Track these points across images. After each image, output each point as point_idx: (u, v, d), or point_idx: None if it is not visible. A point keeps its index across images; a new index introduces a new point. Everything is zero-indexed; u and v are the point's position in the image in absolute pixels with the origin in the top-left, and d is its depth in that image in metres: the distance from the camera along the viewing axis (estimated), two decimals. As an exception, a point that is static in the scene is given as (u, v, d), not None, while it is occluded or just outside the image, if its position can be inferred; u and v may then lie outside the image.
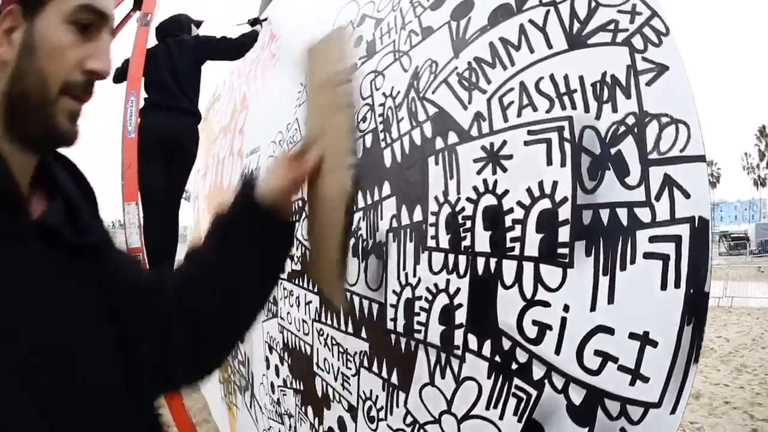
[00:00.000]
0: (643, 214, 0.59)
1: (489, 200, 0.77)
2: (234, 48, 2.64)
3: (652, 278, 0.58)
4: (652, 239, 0.58)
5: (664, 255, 0.57)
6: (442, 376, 0.82)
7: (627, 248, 0.60)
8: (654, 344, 0.56)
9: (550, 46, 0.68)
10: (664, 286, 0.57)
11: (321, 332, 1.26)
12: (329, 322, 1.22)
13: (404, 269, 0.92)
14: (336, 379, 1.17)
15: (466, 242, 0.80)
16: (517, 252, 0.72)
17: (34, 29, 0.54)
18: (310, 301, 1.34)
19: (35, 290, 0.49)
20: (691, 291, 0.54)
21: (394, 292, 0.95)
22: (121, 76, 2.55)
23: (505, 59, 0.75)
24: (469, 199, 0.80)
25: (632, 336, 0.58)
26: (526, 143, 0.71)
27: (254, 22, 2.74)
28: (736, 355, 6.33)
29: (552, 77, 0.67)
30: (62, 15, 0.54)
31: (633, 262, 0.60)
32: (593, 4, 0.63)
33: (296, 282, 1.44)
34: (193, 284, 0.67)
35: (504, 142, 0.74)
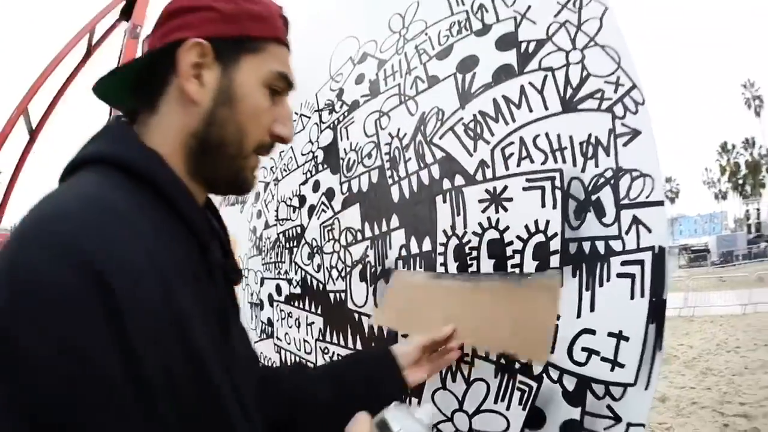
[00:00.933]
0: (616, 245, 0.80)
1: (492, 234, 0.97)
2: None
3: (623, 291, 0.79)
4: (623, 263, 0.80)
5: (632, 274, 0.79)
6: (453, 380, 1.00)
7: (604, 270, 0.82)
8: (627, 339, 0.77)
9: (546, 108, 0.89)
10: (632, 297, 0.78)
11: (326, 350, 1.40)
12: (334, 340, 1.37)
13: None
14: None
15: (473, 268, 0.99)
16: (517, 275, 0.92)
17: (232, 80, 0.60)
18: (313, 322, 1.48)
19: (232, 325, 0.57)
20: (653, 299, 0.76)
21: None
22: None
23: (507, 115, 0.96)
24: (474, 233, 1.00)
25: (610, 334, 0.79)
26: (524, 189, 0.91)
27: None
28: (700, 360, 6.85)
29: (547, 135, 0.88)
30: (261, 77, 0.61)
31: (608, 280, 0.81)
32: (585, 73, 0.85)
33: (295, 304, 1.57)
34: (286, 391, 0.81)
35: (505, 187, 0.95)
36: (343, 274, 1.36)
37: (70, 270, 0.39)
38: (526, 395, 0.88)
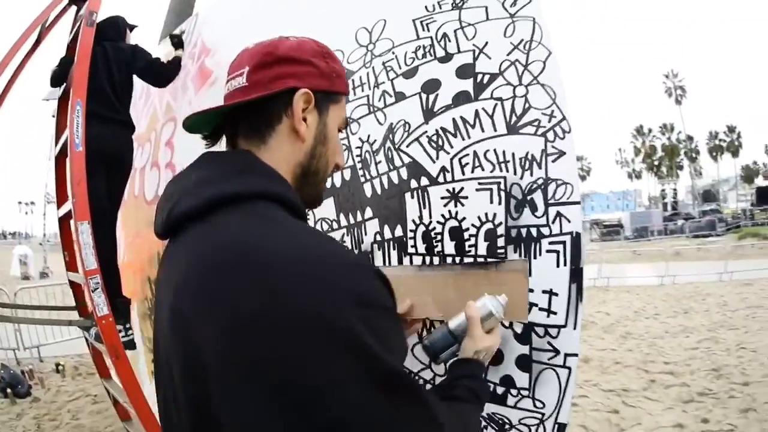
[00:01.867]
0: (545, 230, 1.14)
1: (453, 223, 1.28)
2: (163, 75, 2.71)
3: (551, 262, 1.14)
4: (551, 243, 1.14)
5: (557, 250, 1.14)
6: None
7: (537, 247, 1.16)
8: (557, 294, 1.12)
9: (495, 129, 1.21)
10: (558, 265, 1.13)
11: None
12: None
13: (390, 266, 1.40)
14: None
15: (438, 248, 1.31)
16: (473, 252, 1.25)
17: (325, 125, 0.77)
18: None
19: None
20: (573, 267, 1.11)
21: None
22: (58, 79, 2.52)
23: (464, 132, 1.27)
24: (438, 222, 1.31)
25: (544, 291, 1.14)
26: (477, 190, 1.24)
27: (177, 42, 2.83)
28: (619, 326, 7.30)
29: (495, 150, 1.20)
30: (338, 122, 0.80)
31: (540, 254, 1.15)
32: (527, 105, 1.17)
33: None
34: None
35: (462, 188, 1.26)
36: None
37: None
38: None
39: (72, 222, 2.34)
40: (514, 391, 1.19)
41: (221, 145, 0.81)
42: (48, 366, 5.78)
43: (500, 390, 1.21)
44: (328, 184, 1.59)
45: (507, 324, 1.19)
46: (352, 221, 1.54)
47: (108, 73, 2.49)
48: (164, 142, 2.97)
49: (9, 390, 4.59)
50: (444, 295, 1.26)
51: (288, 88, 0.72)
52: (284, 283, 0.54)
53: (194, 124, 0.78)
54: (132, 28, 2.85)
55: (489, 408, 1.23)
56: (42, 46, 2.73)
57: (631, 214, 40.91)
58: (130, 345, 2.55)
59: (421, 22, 1.44)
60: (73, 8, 2.58)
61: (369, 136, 1.52)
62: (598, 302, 9.76)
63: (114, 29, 2.64)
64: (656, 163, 61.59)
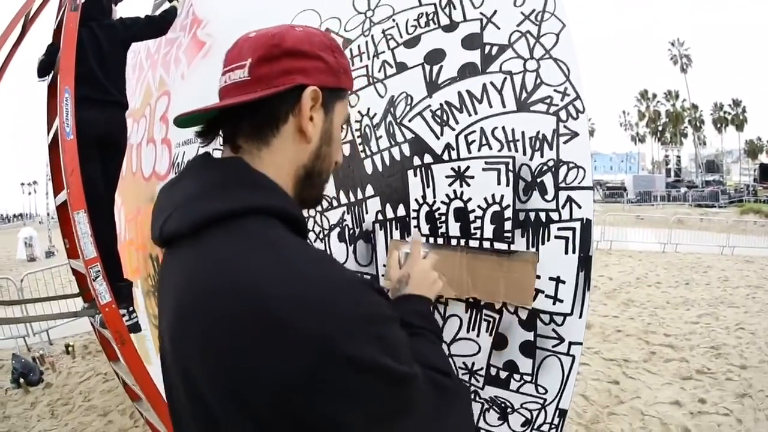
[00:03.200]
0: (554, 215, 1.10)
1: (458, 204, 1.23)
2: (158, 26, 2.71)
3: (559, 248, 1.09)
4: (559, 229, 1.10)
5: (566, 237, 1.10)
6: (433, 316, 1.30)
7: (545, 233, 1.12)
8: (564, 282, 1.08)
9: (504, 105, 1.14)
10: (566, 252, 1.09)
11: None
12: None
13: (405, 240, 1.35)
14: None
15: (442, 230, 1.26)
16: (478, 235, 1.21)
17: (331, 123, 0.74)
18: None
19: None
20: (582, 255, 1.07)
21: (384, 265, 1.37)
22: (46, 68, 2.51)
23: (470, 107, 1.20)
24: (443, 202, 1.26)
25: (551, 279, 1.10)
26: (484, 169, 1.17)
27: None
28: (621, 292, 7.48)
29: (503, 128, 1.14)
30: (342, 119, 0.77)
31: (548, 240, 1.11)
32: (538, 81, 1.09)
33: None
34: None
35: (468, 167, 1.20)
36: (321, 236, 1.58)
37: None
38: (491, 324, 1.19)
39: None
40: (517, 376, 1.18)
41: (212, 143, 0.77)
42: (58, 348, 5.88)
43: (503, 374, 1.20)
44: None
45: (512, 310, 1.17)
46: (352, 199, 1.49)
47: (97, 53, 2.45)
48: (159, 116, 2.94)
49: (22, 380, 4.66)
50: (456, 275, 1.22)
51: (296, 85, 0.68)
52: (283, 311, 0.52)
53: (188, 119, 0.72)
54: (117, 1, 2.80)
55: (491, 391, 1.22)
56: (30, 34, 2.69)
57: (634, 177, 41.35)
58: (135, 328, 2.58)
59: (424, -13, 1.35)
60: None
61: (369, 109, 1.45)
62: (601, 266, 9.94)
63: (98, 7, 2.58)
64: (660, 128, 61.03)
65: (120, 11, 2.85)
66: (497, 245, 1.18)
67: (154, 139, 2.98)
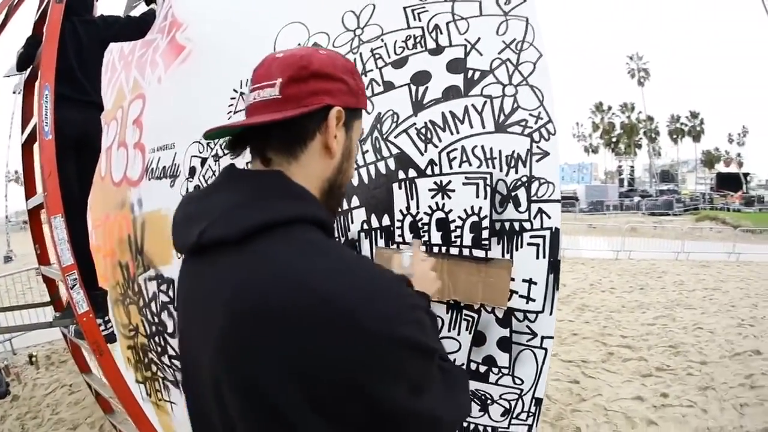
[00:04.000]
0: (527, 225, 1.24)
1: (440, 215, 1.35)
2: (138, 28, 2.70)
3: (531, 254, 1.23)
4: (531, 236, 1.24)
5: (537, 244, 1.24)
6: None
7: (519, 241, 1.26)
8: (536, 283, 1.23)
9: (483, 126, 1.27)
10: (538, 257, 1.23)
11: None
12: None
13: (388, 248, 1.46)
14: None
15: (425, 238, 1.38)
16: (458, 243, 1.33)
17: (351, 140, 0.82)
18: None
19: None
20: (551, 259, 1.22)
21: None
22: (25, 62, 2.42)
23: (452, 127, 1.33)
24: (426, 213, 1.38)
25: (524, 280, 1.24)
26: (464, 184, 1.31)
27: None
28: (576, 297, 7.63)
29: (482, 147, 1.27)
30: (358, 136, 0.85)
31: (522, 246, 1.25)
32: (515, 105, 1.24)
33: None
34: None
35: (449, 181, 1.33)
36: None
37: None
38: (470, 323, 1.32)
39: (43, 214, 2.29)
40: (495, 370, 1.31)
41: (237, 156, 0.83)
42: (21, 359, 5.65)
43: (483, 369, 1.33)
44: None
45: (489, 309, 1.30)
46: (339, 209, 1.58)
47: (77, 50, 2.40)
48: (132, 120, 2.86)
49: None
50: (442, 285, 1.33)
51: (323, 105, 0.74)
52: (348, 304, 0.61)
53: (215, 133, 0.79)
54: None
55: (472, 385, 1.33)
56: (8, 27, 2.62)
57: (586, 186, 42.24)
58: (111, 338, 2.54)
59: (413, 10, 1.46)
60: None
61: (356, 124, 1.55)
62: None
63: (82, 2, 2.53)
64: (614, 139, 63.55)
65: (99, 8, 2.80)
66: (476, 252, 1.30)
67: (126, 143, 2.89)
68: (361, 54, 1.58)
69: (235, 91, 1.92)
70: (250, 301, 0.63)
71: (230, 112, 1.93)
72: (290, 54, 0.76)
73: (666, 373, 4.41)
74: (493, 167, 1.27)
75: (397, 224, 1.44)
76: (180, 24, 2.66)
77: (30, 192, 2.77)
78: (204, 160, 2.12)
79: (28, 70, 2.53)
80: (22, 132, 2.62)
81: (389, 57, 1.50)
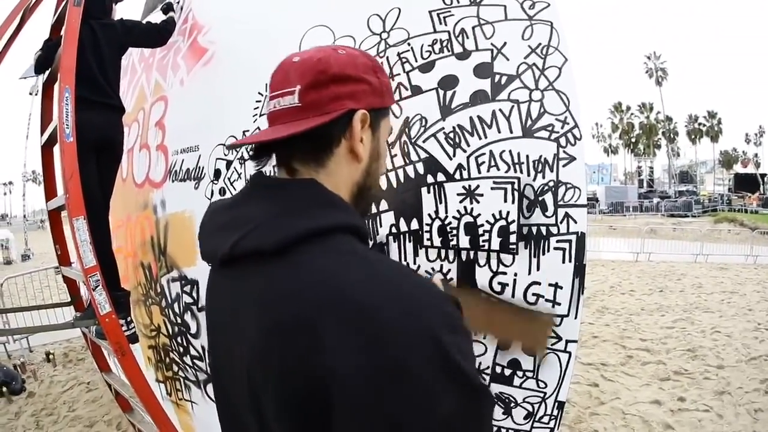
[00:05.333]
0: (554, 229, 1.27)
1: (468, 219, 1.39)
2: (158, 36, 2.72)
3: (558, 258, 1.27)
4: (558, 241, 1.27)
5: (564, 248, 1.27)
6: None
7: (545, 245, 1.29)
8: (561, 287, 1.26)
9: (511, 131, 1.31)
10: (563, 261, 1.26)
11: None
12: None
13: (405, 259, 1.50)
14: None
15: (453, 242, 1.42)
16: (486, 247, 1.36)
17: (378, 141, 0.79)
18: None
19: None
20: (577, 263, 1.25)
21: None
22: (43, 65, 2.48)
23: (480, 132, 1.36)
24: (454, 217, 1.41)
25: (550, 285, 1.27)
26: (492, 188, 1.34)
27: (167, 8, 2.83)
28: (596, 300, 7.67)
29: (510, 152, 1.31)
30: (387, 134, 0.83)
31: (548, 251, 1.28)
32: (542, 110, 1.27)
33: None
34: None
35: (478, 186, 1.36)
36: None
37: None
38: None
39: (63, 215, 2.31)
40: (519, 373, 1.34)
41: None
42: (38, 356, 5.77)
43: (507, 372, 1.36)
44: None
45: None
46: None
47: (96, 53, 2.43)
48: (154, 122, 2.92)
49: (4, 389, 4.59)
50: (476, 321, 1.38)
51: (347, 110, 0.73)
52: (386, 317, 0.58)
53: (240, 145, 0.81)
54: (117, 1, 2.80)
55: (497, 388, 1.37)
56: (25, 28, 2.67)
57: (606, 187, 41.90)
58: (133, 338, 2.57)
59: (438, 14, 1.49)
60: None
61: (383, 128, 1.59)
62: None
63: (99, 5, 2.56)
64: (633, 140, 62.95)
65: (119, 11, 2.86)
66: (503, 255, 1.33)
67: (148, 145, 2.95)
68: (388, 58, 1.61)
69: (260, 94, 1.96)
70: (288, 312, 0.61)
71: (255, 115, 1.96)
72: (308, 57, 0.74)
73: (684, 377, 4.46)
74: (521, 172, 1.30)
75: (426, 228, 1.47)
76: (201, 27, 2.70)
77: (50, 194, 2.79)
78: (229, 163, 2.16)
79: (47, 72, 2.56)
80: (42, 134, 2.64)
81: (416, 61, 1.53)
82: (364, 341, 0.56)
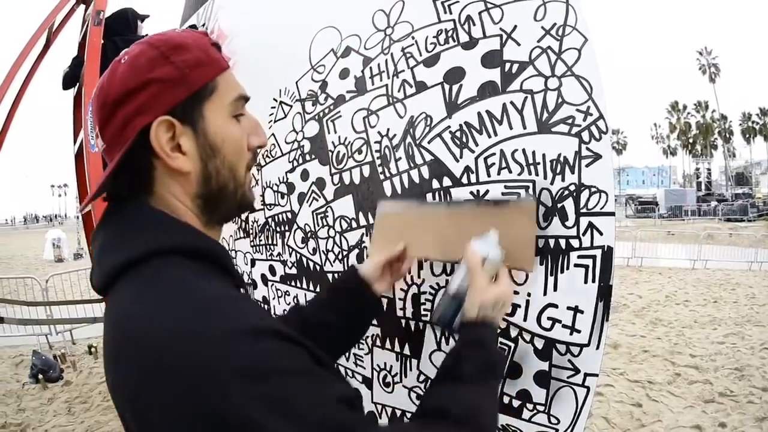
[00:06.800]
0: (575, 242, 1.05)
1: (476, 228, 1.20)
2: None
3: (579, 277, 1.05)
4: (579, 257, 1.05)
5: (586, 265, 1.05)
6: (447, 342, 1.26)
7: (564, 261, 1.07)
8: (582, 312, 1.03)
9: (524, 127, 1.10)
10: (586, 281, 1.04)
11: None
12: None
13: (409, 273, 1.32)
14: (348, 360, 1.55)
15: (460, 256, 1.23)
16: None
17: (207, 134, 0.66)
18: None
19: None
20: (602, 284, 1.02)
21: (401, 289, 1.34)
22: (71, 80, 2.57)
23: (489, 129, 1.17)
24: (461, 226, 1.23)
25: (569, 308, 1.05)
26: (503, 193, 1.14)
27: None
28: (650, 310, 7.41)
29: (524, 151, 1.10)
30: (226, 112, 0.68)
31: (568, 268, 1.07)
32: (560, 100, 1.05)
33: (292, 284, 1.77)
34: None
35: (487, 191, 1.17)
36: (340, 257, 1.56)
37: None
38: (505, 353, 1.15)
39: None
40: (530, 405, 1.13)
41: None
42: (81, 348, 5.98)
43: (516, 403, 1.15)
44: (347, 180, 1.53)
45: (528, 339, 1.12)
46: (371, 221, 1.46)
47: None
48: None
49: (41, 376, 4.75)
50: (444, 234, 1.18)
51: (139, 130, 0.62)
52: (166, 363, 0.51)
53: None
54: (143, 18, 2.81)
55: (504, 419, 1.17)
56: (56, 45, 2.80)
57: (665, 191, 41.33)
58: None
59: (443, 2, 1.31)
60: (82, 6, 2.60)
61: (389, 130, 1.42)
62: (632, 283, 9.90)
63: (123, 22, 2.61)
64: (691, 140, 59.85)
65: (146, 28, 2.89)
66: (514, 271, 1.13)
67: None
68: (392, 54, 1.45)
69: (275, 100, 1.85)
70: (106, 350, 0.60)
71: (270, 121, 1.87)
72: (97, 88, 0.66)
73: (728, 399, 4.16)
74: (537, 174, 1.09)
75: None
76: (226, 36, 2.68)
77: (82, 198, 2.93)
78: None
79: (76, 87, 2.66)
80: (74, 143, 2.74)
81: (420, 55, 1.36)
82: (152, 387, 0.51)
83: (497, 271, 1.00)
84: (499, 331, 1.14)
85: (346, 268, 1.55)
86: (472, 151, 1.20)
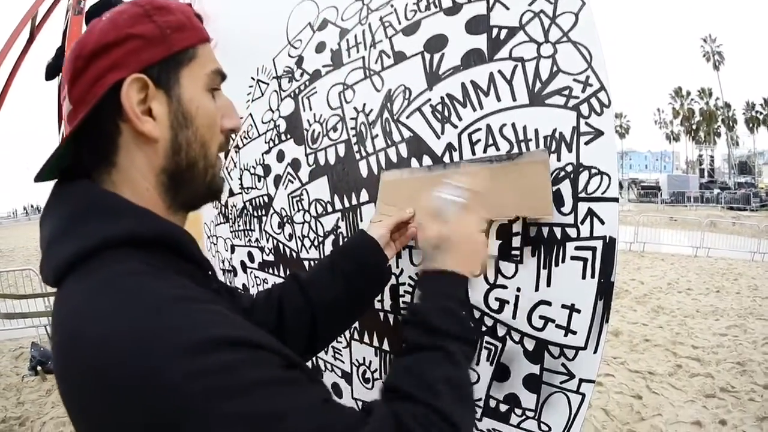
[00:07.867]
0: (572, 232, 0.90)
1: (459, 214, 1.05)
2: None
3: (576, 271, 0.90)
4: (577, 248, 0.90)
5: (585, 258, 0.89)
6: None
7: (560, 252, 0.92)
8: (578, 311, 0.89)
9: (514, 99, 0.94)
10: (584, 276, 0.89)
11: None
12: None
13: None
14: (327, 353, 1.42)
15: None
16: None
17: (181, 101, 0.60)
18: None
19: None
20: (602, 280, 0.87)
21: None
22: (53, 71, 2.46)
23: (474, 101, 1.01)
24: (443, 212, 1.07)
25: (564, 306, 0.91)
26: (491, 173, 0.99)
27: None
28: (652, 297, 7.22)
29: (513, 125, 0.94)
30: (202, 84, 0.62)
31: (563, 261, 0.92)
32: (555, 68, 0.89)
33: (270, 271, 1.64)
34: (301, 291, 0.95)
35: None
36: (315, 243, 1.42)
37: None
38: (492, 353, 1.01)
39: None
40: (518, 411, 1.00)
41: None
42: None
43: (503, 407, 1.02)
44: (322, 160, 1.39)
45: (516, 339, 0.97)
46: (347, 204, 1.32)
47: None
48: None
49: (39, 367, 4.69)
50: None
51: (110, 86, 0.55)
52: (117, 391, 0.44)
53: (50, 171, 0.61)
54: None
55: (489, 423, 1.05)
56: (43, 37, 2.72)
57: (668, 176, 41.02)
58: None
59: (426, -35, 1.15)
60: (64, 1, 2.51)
61: (365, 105, 1.27)
62: (634, 269, 9.71)
63: (105, 11, 2.48)
64: (694, 127, 59.19)
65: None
66: (502, 263, 0.98)
67: None
68: (369, 24, 1.29)
69: (252, 78, 1.70)
70: (53, 349, 0.54)
71: (248, 100, 1.72)
72: (74, 43, 0.60)
73: (729, 395, 3.99)
74: (528, 151, 0.94)
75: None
76: (209, 17, 2.56)
77: None
78: (227, 153, 1.92)
79: (59, 77, 2.57)
80: (58, 133, 2.76)
81: (399, 24, 1.20)
82: (100, 402, 0.46)
83: (454, 212, 0.84)
84: (483, 329, 1.00)
85: (321, 254, 1.41)
86: (455, 126, 1.05)
